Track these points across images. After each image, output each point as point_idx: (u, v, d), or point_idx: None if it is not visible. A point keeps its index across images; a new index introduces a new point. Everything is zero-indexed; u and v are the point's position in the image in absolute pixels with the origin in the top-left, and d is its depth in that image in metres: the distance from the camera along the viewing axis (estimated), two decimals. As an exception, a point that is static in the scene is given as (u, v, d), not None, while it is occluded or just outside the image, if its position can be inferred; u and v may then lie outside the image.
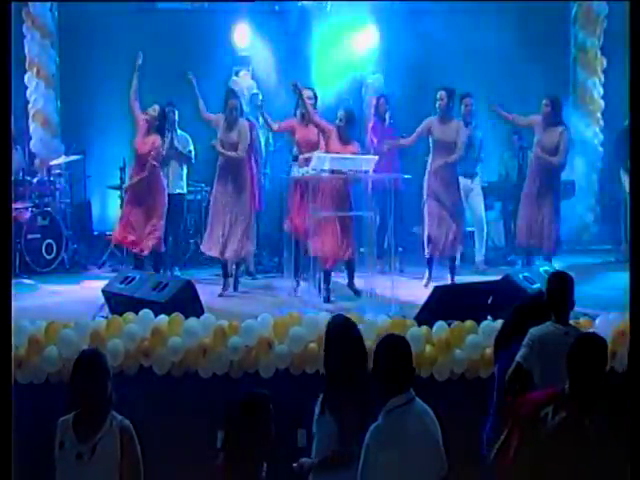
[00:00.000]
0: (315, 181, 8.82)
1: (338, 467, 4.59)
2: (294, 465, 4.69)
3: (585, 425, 4.03)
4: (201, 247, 9.48)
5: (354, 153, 8.99)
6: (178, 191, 10.30)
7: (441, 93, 9.35)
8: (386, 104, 10.57)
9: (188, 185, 10.68)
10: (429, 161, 9.49)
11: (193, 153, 10.52)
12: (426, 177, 9.47)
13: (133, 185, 9.40)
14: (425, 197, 9.48)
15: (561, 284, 5.35)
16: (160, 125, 9.42)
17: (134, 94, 9.40)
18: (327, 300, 8.78)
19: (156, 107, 9.39)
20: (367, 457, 4.12)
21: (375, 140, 10.38)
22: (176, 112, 10.18)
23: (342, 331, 4.90)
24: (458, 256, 9.81)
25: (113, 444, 4.28)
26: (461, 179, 10.03)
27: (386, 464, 4.07)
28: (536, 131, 9.73)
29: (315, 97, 9.47)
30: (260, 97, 10.78)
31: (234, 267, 9.34)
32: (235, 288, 9.31)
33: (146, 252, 9.25)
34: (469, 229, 10.58)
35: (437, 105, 9.37)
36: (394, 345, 4.26)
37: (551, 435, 4.01)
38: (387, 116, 10.41)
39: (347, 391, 4.67)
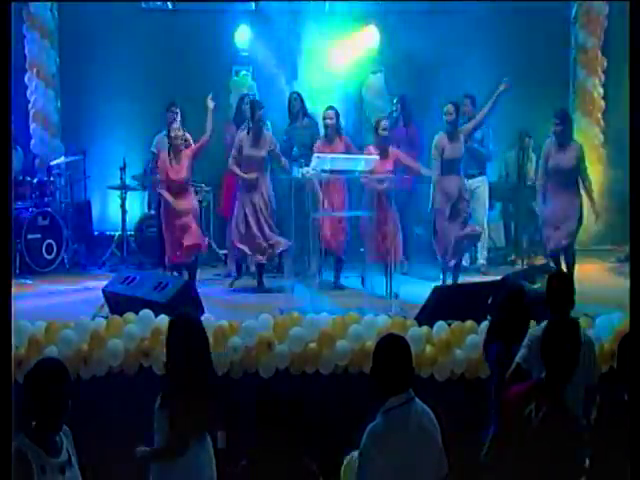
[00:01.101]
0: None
1: (165, 460, 4.77)
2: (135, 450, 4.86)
3: (569, 417, 4.06)
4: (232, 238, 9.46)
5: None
6: None
7: (449, 107, 9.14)
8: (397, 103, 10.61)
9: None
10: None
11: None
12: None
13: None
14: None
15: (561, 284, 5.37)
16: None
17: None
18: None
19: (180, 128, 9.22)
20: (364, 457, 4.10)
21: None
22: (179, 112, 10.11)
23: (182, 329, 4.91)
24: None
25: (73, 446, 4.20)
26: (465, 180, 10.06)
27: (384, 464, 4.05)
28: (549, 154, 9.15)
29: (337, 116, 9.46)
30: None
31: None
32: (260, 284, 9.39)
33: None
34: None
35: (445, 120, 9.18)
36: (394, 345, 4.25)
37: (538, 433, 4.02)
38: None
39: (181, 388, 4.71)
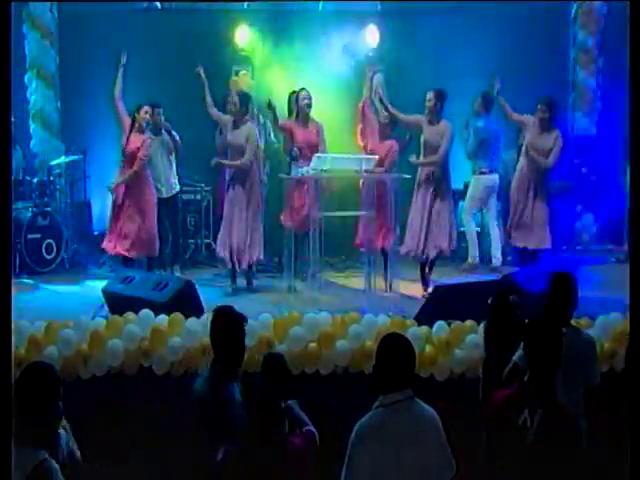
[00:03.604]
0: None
1: None
2: None
3: (568, 416, 4.04)
4: (216, 248, 9.50)
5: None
6: (173, 192, 10.26)
7: (429, 94, 9.17)
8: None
9: (181, 184, 10.67)
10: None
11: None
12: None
13: (123, 183, 9.49)
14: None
15: (564, 284, 5.36)
16: (154, 127, 9.75)
17: (119, 92, 9.62)
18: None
19: (147, 109, 9.56)
20: (352, 452, 4.03)
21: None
22: (161, 112, 10.13)
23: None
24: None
25: (73, 440, 4.40)
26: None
27: (372, 461, 3.99)
28: (529, 132, 9.59)
29: (309, 97, 9.52)
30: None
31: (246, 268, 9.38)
32: (250, 283, 9.39)
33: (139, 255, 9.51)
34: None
35: (425, 106, 9.19)
36: (393, 342, 4.23)
37: (537, 439, 3.98)
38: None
39: None
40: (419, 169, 9.15)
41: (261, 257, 9.31)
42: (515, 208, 9.73)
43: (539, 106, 9.48)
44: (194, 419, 4.57)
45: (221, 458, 4.25)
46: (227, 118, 9.38)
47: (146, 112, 9.54)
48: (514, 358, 5.00)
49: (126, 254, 9.46)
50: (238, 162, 9.14)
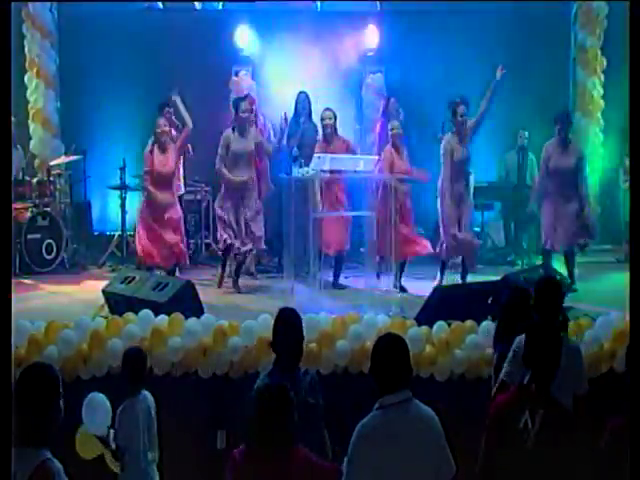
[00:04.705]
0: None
1: None
2: None
3: (568, 416, 4.04)
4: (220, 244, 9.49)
5: None
6: (179, 193, 10.25)
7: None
8: (397, 104, 10.63)
9: (186, 185, 10.68)
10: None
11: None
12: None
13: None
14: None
15: (548, 290, 5.35)
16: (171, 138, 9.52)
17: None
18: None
19: (169, 109, 9.53)
20: (352, 453, 4.03)
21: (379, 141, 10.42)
22: (172, 112, 10.09)
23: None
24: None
25: None
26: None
27: (372, 463, 3.98)
28: (550, 156, 9.28)
29: (335, 117, 9.50)
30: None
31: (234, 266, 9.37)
32: (236, 284, 9.33)
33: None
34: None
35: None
36: (389, 343, 4.22)
37: (541, 442, 3.98)
38: (401, 117, 10.33)
39: None
40: None
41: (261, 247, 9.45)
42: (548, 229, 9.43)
43: (558, 124, 9.22)
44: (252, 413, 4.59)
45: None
46: (227, 135, 9.24)
47: (167, 112, 9.52)
48: (501, 376, 5.01)
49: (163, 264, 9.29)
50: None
